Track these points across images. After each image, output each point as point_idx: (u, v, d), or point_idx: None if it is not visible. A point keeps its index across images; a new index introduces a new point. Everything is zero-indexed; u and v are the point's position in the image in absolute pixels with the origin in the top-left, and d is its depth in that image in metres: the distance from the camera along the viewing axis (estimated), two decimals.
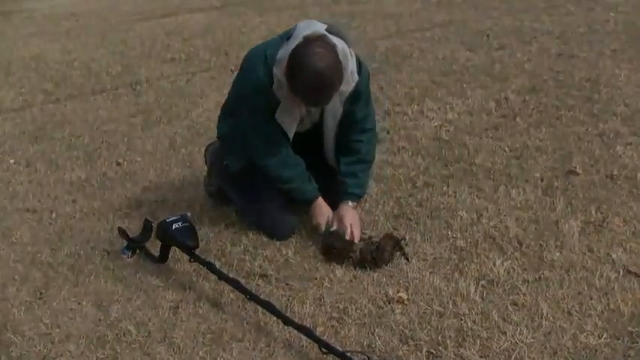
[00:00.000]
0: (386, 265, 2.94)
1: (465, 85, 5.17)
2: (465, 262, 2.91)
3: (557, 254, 2.90)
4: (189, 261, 3.02)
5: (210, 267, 2.93)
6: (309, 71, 2.72)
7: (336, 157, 3.27)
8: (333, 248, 3.02)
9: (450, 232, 3.16)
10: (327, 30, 2.88)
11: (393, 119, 4.63)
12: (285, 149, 3.13)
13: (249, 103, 3.04)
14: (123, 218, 3.62)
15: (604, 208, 3.23)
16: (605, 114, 4.38)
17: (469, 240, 3.08)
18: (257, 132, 3.09)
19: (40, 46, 8.37)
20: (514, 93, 4.91)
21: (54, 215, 3.74)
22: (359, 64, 3.04)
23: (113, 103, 5.69)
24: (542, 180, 3.59)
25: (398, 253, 3.01)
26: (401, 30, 7.31)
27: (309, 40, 2.78)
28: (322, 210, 3.17)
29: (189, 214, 3.15)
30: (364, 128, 3.23)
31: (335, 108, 3.07)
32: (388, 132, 4.35)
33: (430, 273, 2.86)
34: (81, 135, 4.97)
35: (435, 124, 4.50)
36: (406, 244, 3.05)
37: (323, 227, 3.14)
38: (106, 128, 5.07)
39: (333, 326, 2.59)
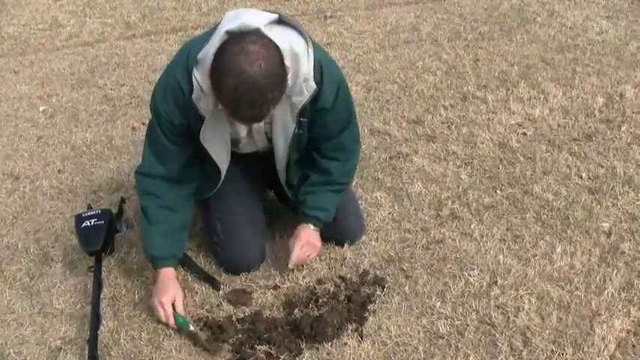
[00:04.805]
0: (327, 343, 2.17)
1: (578, 69, 4.03)
2: None
3: None
4: (88, 269, 2.55)
5: (98, 285, 2.45)
6: (235, 76, 1.92)
7: (292, 181, 2.54)
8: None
9: (437, 305, 2.32)
10: (276, 21, 2.11)
11: (465, 108, 3.67)
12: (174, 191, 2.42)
13: (156, 115, 2.29)
14: (95, 202, 3.10)
15: None
16: None
17: (457, 323, 2.23)
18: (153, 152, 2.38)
19: None
20: (637, 88, 3.71)
21: (28, 188, 3.30)
22: (320, 69, 2.19)
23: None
24: (609, 235, 2.58)
25: (352, 326, 2.23)
26: None
27: (240, 35, 2.00)
28: (168, 287, 2.36)
29: (124, 204, 2.86)
30: (342, 145, 2.45)
31: (285, 124, 2.29)
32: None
33: None
34: (124, 84, 4.46)
35: (513, 121, 3.50)
36: (369, 315, 2.26)
37: (162, 315, 2.32)
38: (153, 78, 4.51)
39: None
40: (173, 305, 2.30)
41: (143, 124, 3.84)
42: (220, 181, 2.45)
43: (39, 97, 4.33)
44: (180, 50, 2.28)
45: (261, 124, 2.29)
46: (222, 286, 2.47)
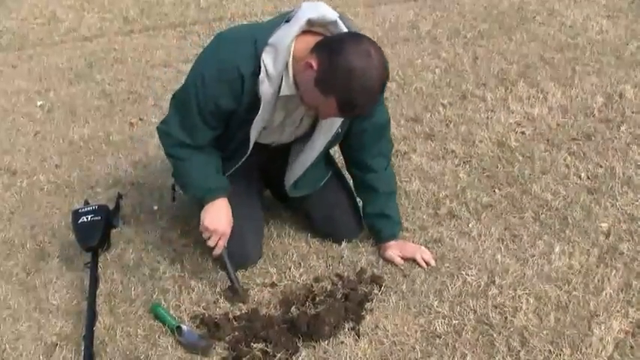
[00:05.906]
0: (324, 341, 2.17)
1: (578, 68, 4.02)
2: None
3: None
4: (84, 265, 2.55)
5: (94, 281, 2.44)
6: (358, 77, 1.94)
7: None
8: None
9: (435, 304, 2.31)
10: (340, 18, 2.13)
11: (463, 106, 3.66)
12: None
13: (199, 94, 2.21)
14: (92, 197, 3.09)
15: None
16: None
17: (454, 323, 2.22)
18: (185, 131, 2.32)
19: None
20: (636, 88, 3.70)
21: (25, 183, 3.28)
22: None
23: (178, 43, 5.09)
24: (607, 235, 2.57)
25: (349, 324, 2.22)
26: None
27: (356, 34, 2.03)
28: (229, 218, 2.41)
29: (121, 200, 2.87)
30: (381, 151, 2.51)
31: (332, 121, 2.29)
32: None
33: None
34: (122, 80, 4.44)
35: (512, 120, 3.49)
36: (366, 313, 2.25)
37: (214, 242, 2.38)
38: (151, 74, 4.51)
39: None
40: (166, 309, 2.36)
41: (141, 119, 3.83)
42: (233, 169, 2.44)
43: (37, 91, 4.32)
44: (233, 34, 2.25)
45: (302, 113, 2.31)
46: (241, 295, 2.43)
